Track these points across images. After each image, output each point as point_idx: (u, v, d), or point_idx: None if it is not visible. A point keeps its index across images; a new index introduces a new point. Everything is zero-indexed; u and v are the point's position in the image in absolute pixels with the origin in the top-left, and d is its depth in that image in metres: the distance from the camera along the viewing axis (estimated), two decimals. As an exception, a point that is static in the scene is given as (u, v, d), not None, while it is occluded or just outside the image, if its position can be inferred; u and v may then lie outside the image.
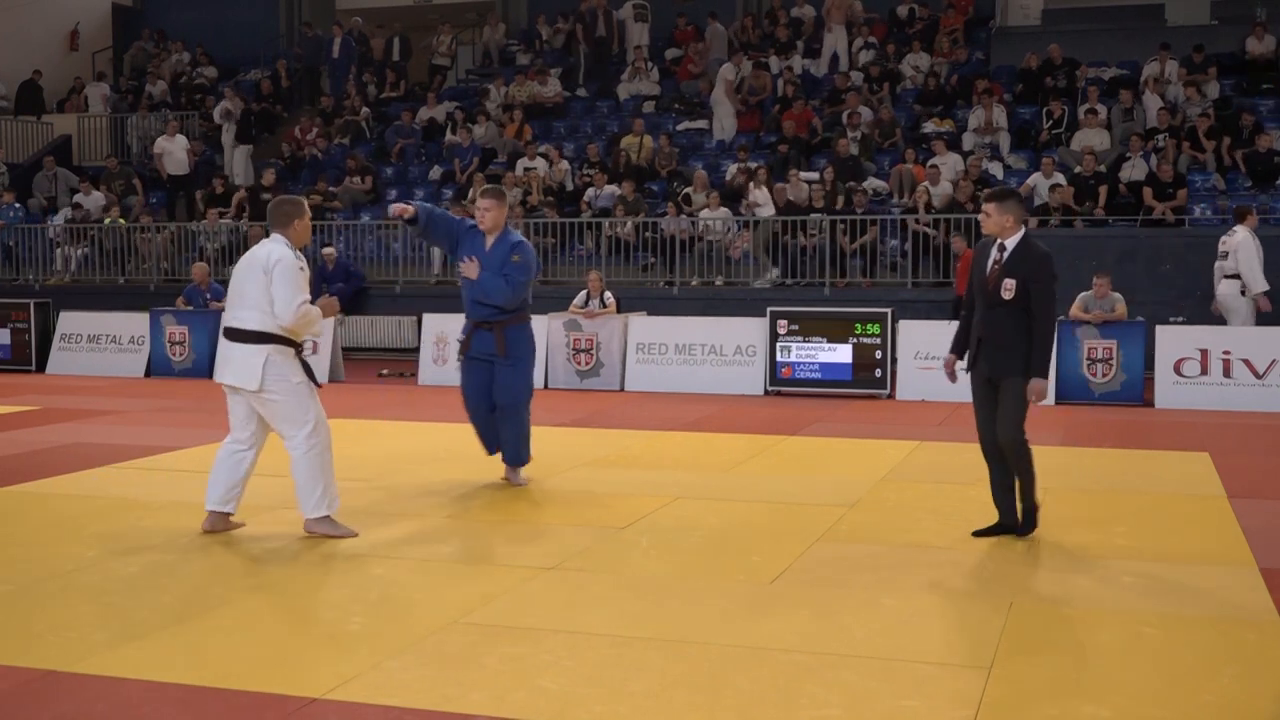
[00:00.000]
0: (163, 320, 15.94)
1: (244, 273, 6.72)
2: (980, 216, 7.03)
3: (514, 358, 8.13)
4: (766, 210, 17.21)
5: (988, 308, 6.76)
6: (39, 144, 23.79)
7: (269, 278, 6.57)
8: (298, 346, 6.77)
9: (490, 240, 8.10)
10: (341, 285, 17.02)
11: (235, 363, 6.72)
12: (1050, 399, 12.74)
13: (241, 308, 6.70)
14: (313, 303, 6.69)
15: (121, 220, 19.91)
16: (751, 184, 17.53)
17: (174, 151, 21.25)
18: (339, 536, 6.82)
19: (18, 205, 20.95)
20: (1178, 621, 5.36)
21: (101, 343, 16.45)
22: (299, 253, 6.71)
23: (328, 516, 6.85)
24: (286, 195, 7.12)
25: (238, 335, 6.72)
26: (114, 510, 7.62)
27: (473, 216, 8.24)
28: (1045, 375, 6.67)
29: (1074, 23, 21.58)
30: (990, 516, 7.01)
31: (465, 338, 8.24)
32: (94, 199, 20.70)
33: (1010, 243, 6.74)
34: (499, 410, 8.19)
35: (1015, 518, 6.87)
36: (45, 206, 21.54)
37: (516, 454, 8.29)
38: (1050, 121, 18.21)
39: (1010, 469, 6.79)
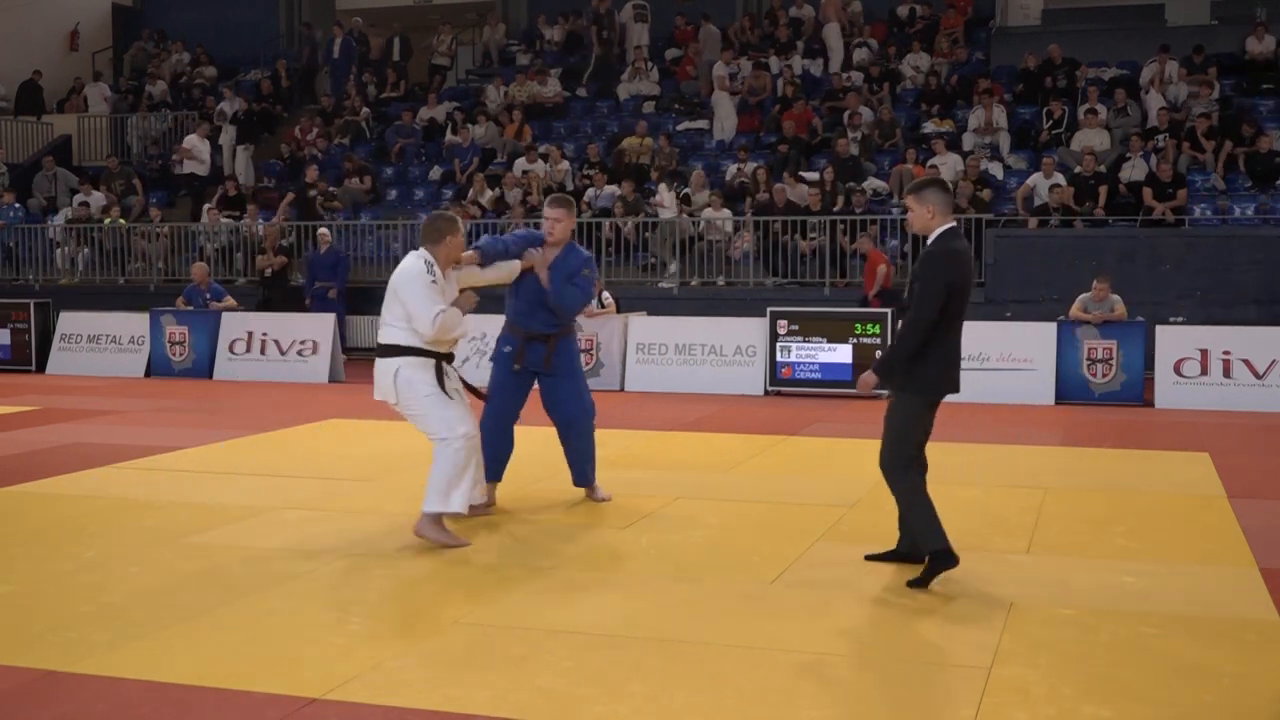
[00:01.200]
0: (163, 320, 15.95)
1: (389, 288, 6.70)
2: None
3: (570, 369, 7.69)
4: (669, 212, 17.51)
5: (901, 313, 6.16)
6: (39, 144, 23.79)
7: (398, 294, 6.59)
8: (441, 356, 6.70)
9: (556, 253, 7.51)
10: (333, 285, 16.95)
11: (376, 377, 6.73)
12: (1050, 399, 12.81)
13: (383, 323, 6.72)
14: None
15: (122, 220, 19.91)
16: (662, 185, 17.92)
17: (199, 150, 21.38)
18: (444, 544, 6.62)
19: (18, 205, 20.95)
20: (1178, 621, 5.36)
21: (101, 343, 16.45)
22: (434, 266, 6.62)
23: (439, 519, 6.68)
24: (442, 211, 7.20)
25: (379, 350, 6.74)
26: (114, 510, 7.62)
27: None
28: (882, 372, 6.03)
29: (1074, 23, 21.58)
30: (991, 521, 7.00)
31: (517, 349, 7.57)
32: (94, 199, 20.70)
33: (930, 239, 6.01)
34: (568, 424, 7.71)
35: (910, 545, 6.18)
36: (45, 207, 21.54)
37: (585, 473, 7.83)
38: (1050, 122, 18.21)
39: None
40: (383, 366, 6.67)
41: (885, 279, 15.32)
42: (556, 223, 7.51)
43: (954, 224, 5.98)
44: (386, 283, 6.75)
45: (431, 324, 6.49)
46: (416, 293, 6.52)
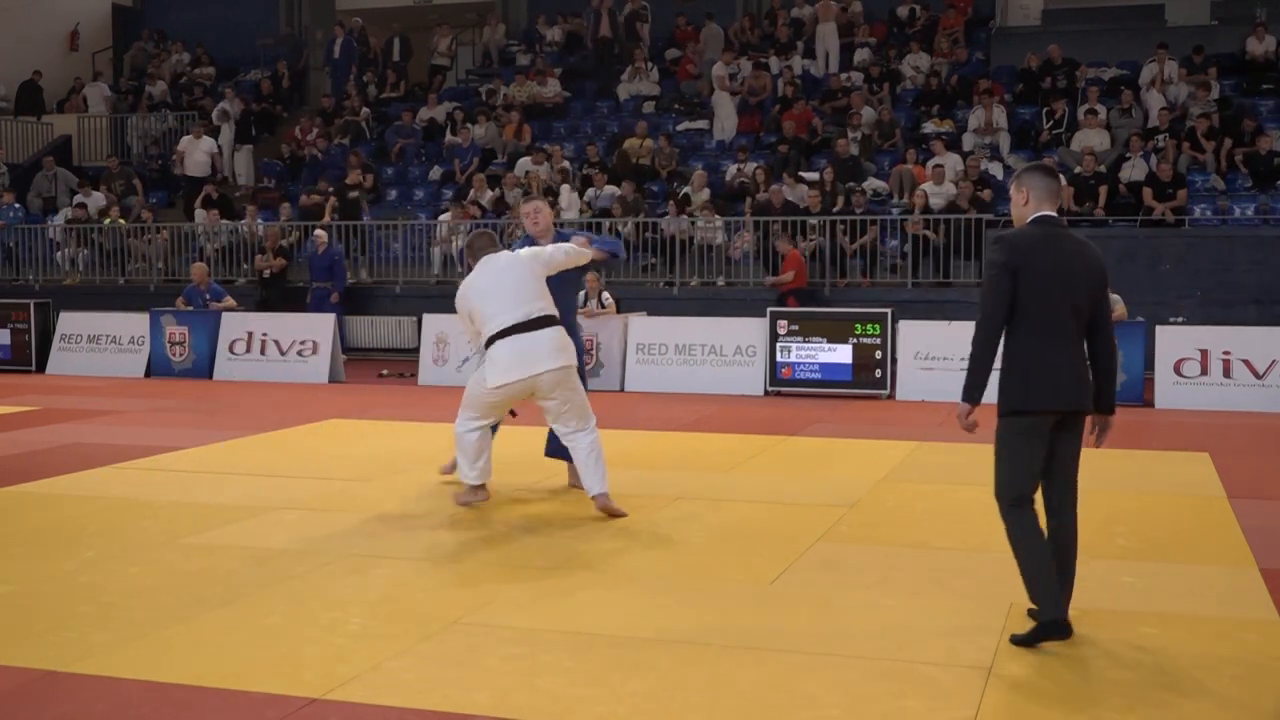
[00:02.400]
0: (162, 320, 15.94)
1: (516, 266, 7.34)
2: None
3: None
4: (571, 214, 17.68)
5: None
6: (39, 144, 23.79)
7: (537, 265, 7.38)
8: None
9: (548, 243, 7.88)
10: (331, 287, 16.93)
11: (552, 343, 7.21)
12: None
13: (526, 302, 7.20)
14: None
15: (121, 221, 19.90)
16: (566, 185, 18.10)
17: (195, 153, 21.21)
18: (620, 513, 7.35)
19: (18, 205, 20.96)
20: (1178, 621, 5.35)
21: (101, 343, 16.44)
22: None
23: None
24: (483, 229, 7.87)
25: (544, 320, 7.21)
26: (114, 510, 7.62)
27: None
28: (964, 395, 5.15)
29: (1074, 23, 21.59)
30: (991, 521, 6.97)
31: None
32: (94, 200, 20.70)
33: None
34: None
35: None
36: (44, 207, 21.55)
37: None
38: (1050, 122, 18.21)
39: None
40: (556, 333, 7.21)
41: (798, 278, 15.73)
42: (538, 213, 7.97)
43: (1048, 212, 5.10)
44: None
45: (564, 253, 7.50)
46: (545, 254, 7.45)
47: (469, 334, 7.62)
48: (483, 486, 7.59)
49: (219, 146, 22.15)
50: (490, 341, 7.15)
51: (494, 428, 7.67)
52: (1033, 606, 5.05)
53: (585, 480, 7.39)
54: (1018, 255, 4.99)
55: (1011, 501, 5.12)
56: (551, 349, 7.11)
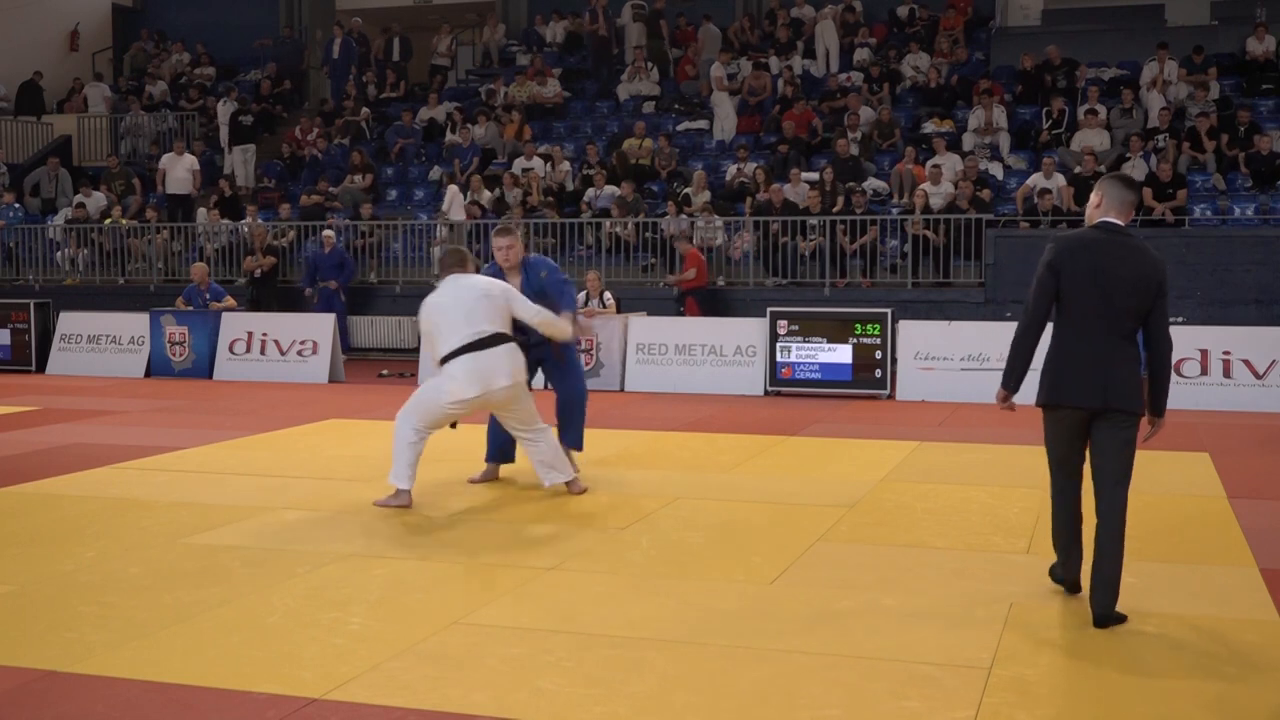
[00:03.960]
0: (162, 320, 15.94)
1: (485, 294, 7.62)
2: None
3: (574, 359, 8.74)
4: (457, 214, 17.82)
5: None
6: (39, 144, 23.79)
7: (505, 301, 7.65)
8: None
9: (519, 277, 8.20)
10: (336, 282, 17.02)
11: (504, 363, 7.54)
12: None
13: (477, 326, 7.49)
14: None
15: (122, 220, 19.89)
16: (453, 185, 18.27)
17: (177, 170, 20.44)
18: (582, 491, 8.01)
19: (17, 205, 20.95)
20: (1178, 621, 5.35)
21: (101, 343, 16.44)
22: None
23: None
24: (457, 247, 8.07)
25: (495, 339, 7.51)
26: (114, 511, 7.62)
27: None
28: (1003, 384, 5.57)
29: (1074, 23, 21.59)
30: (992, 521, 7.00)
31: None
32: (93, 200, 20.70)
33: None
34: (573, 399, 8.58)
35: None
36: (44, 207, 21.53)
37: (579, 440, 8.64)
38: (1050, 122, 18.21)
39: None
40: (510, 351, 7.54)
41: (699, 277, 16.05)
42: (510, 249, 8.19)
43: (1112, 219, 5.33)
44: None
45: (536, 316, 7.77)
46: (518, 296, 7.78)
47: (429, 349, 7.78)
48: (409, 491, 7.64)
49: (219, 147, 22.16)
50: (446, 359, 7.43)
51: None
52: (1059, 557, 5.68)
53: (551, 474, 7.92)
54: (1063, 256, 5.30)
55: (1054, 484, 5.56)
56: (506, 366, 7.48)
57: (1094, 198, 5.41)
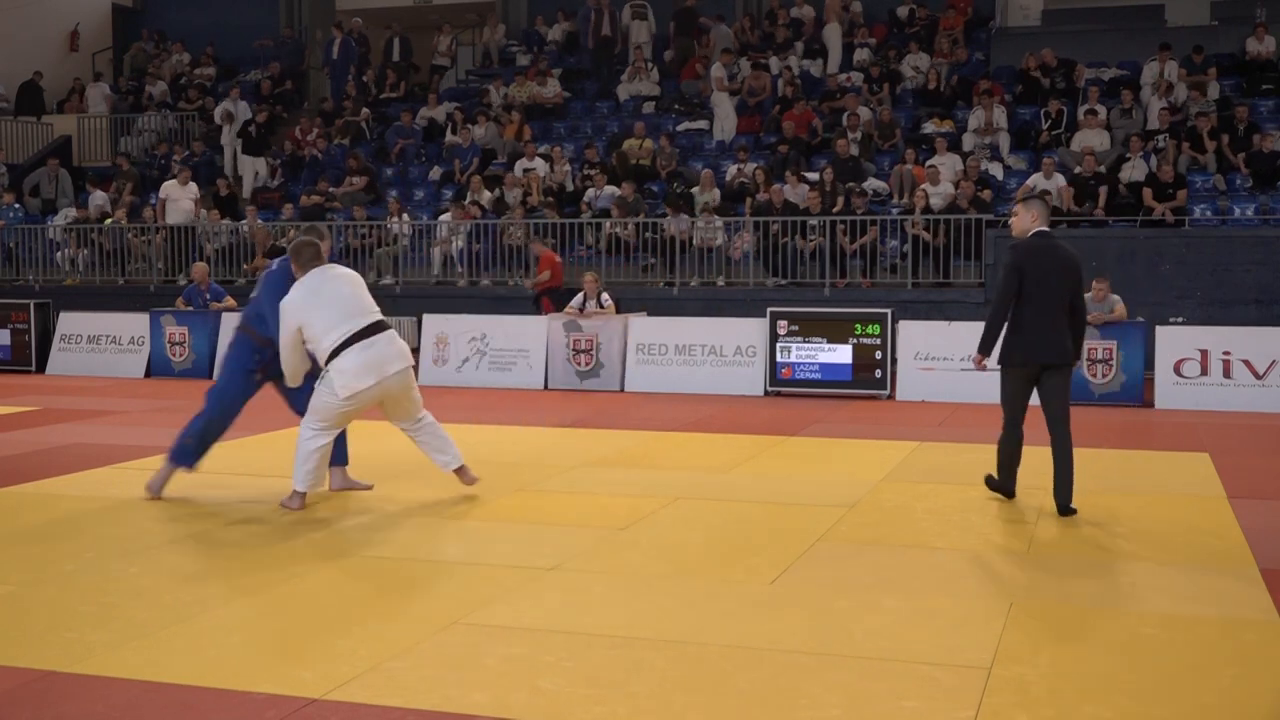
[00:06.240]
0: (162, 321, 15.95)
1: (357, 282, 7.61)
2: None
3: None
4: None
5: None
6: (39, 145, 23.79)
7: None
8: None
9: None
10: None
11: (399, 347, 7.56)
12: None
13: (369, 309, 7.49)
14: None
15: (123, 221, 19.87)
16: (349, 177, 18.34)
17: (180, 200, 19.53)
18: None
19: (17, 206, 20.95)
20: (1178, 622, 5.36)
21: (101, 343, 16.45)
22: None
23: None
24: (308, 237, 7.74)
25: (381, 325, 7.47)
26: (114, 510, 7.62)
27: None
28: (979, 347, 7.61)
29: (1074, 23, 21.57)
30: (992, 520, 7.00)
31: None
32: (95, 199, 20.69)
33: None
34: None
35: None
36: (44, 207, 21.53)
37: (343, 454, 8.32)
38: (1050, 122, 18.20)
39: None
40: (394, 336, 7.54)
41: (554, 278, 16.36)
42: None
43: (1044, 228, 7.57)
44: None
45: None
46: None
47: (291, 352, 7.42)
48: (305, 494, 7.58)
49: (219, 146, 22.14)
50: (334, 354, 7.22)
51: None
52: (994, 477, 7.83)
53: (443, 456, 7.89)
54: (1024, 258, 7.41)
55: (1006, 424, 7.58)
56: (395, 352, 7.41)
57: (1027, 215, 7.56)
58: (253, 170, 21.47)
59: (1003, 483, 7.75)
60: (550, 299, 16.15)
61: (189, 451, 7.97)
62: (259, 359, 7.92)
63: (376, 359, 7.29)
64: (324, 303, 7.28)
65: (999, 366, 7.53)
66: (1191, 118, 17.53)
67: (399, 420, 7.82)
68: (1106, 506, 7.75)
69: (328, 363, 7.28)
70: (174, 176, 20.05)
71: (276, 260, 8.01)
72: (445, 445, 7.92)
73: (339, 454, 8.14)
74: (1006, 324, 7.42)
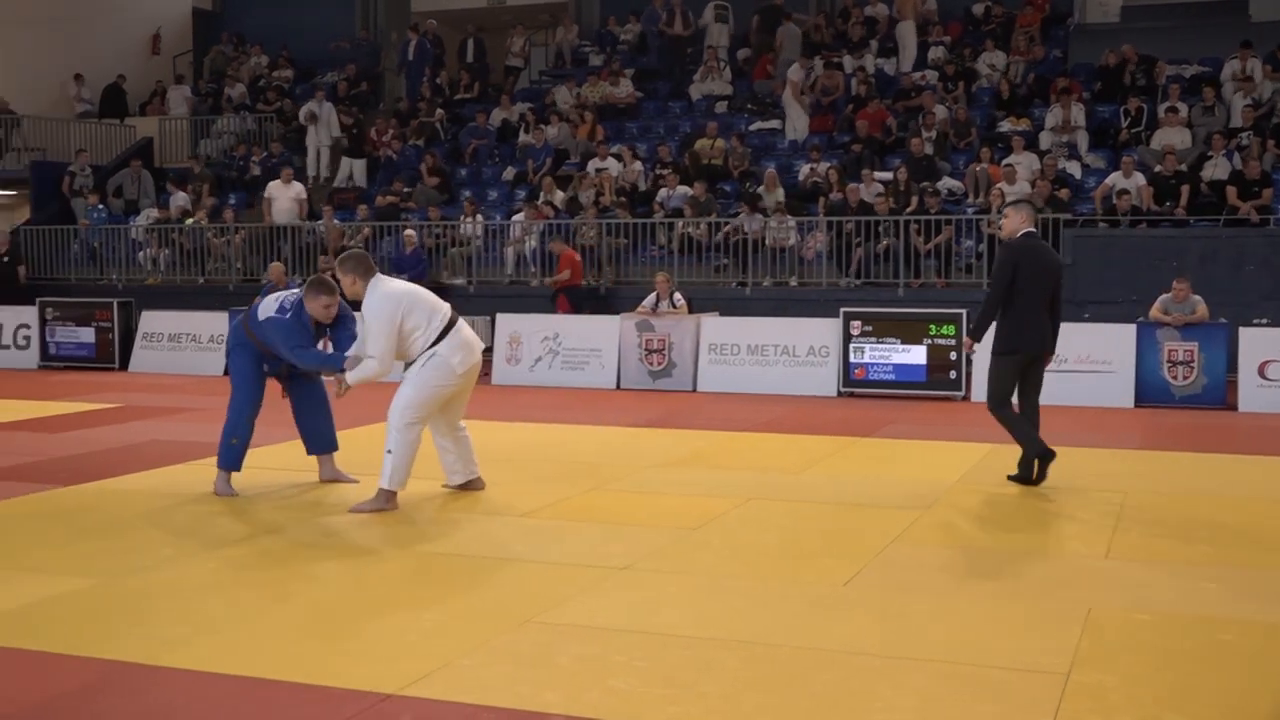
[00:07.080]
0: (240, 319, 16.14)
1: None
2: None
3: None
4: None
5: None
6: (122, 146, 24.25)
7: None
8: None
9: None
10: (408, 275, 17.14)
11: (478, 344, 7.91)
12: (1129, 401, 12.62)
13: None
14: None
15: (205, 221, 20.18)
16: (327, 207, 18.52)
17: (283, 200, 19.81)
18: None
19: (101, 206, 21.36)
20: (1260, 629, 5.25)
21: (182, 341, 16.73)
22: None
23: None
24: (358, 252, 7.97)
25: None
26: (191, 507, 7.74)
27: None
28: (971, 334, 8.52)
29: (1154, 19, 21.21)
30: (1070, 525, 6.91)
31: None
32: (177, 199, 21.04)
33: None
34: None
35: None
36: (127, 208, 21.93)
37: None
38: (1129, 120, 17.92)
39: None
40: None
41: (574, 276, 16.56)
42: (329, 309, 8.00)
43: (1031, 229, 8.40)
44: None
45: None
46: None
47: (384, 345, 7.53)
48: (396, 494, 7.64)
49: (301, 147, 22.35)
50: (437, 339, 7.54)
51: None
52: (1018, 473, 8.33)
53: (470, 469, 8.08)
54: (1017, 255, 8.21)
55: (998, 403, 8.24)
56: (476, 337, 7.89)
57: (1017, 217, 8.36)
58: (348, 170, 21.65)
59: (1029, 455, 8.22)
60: (568, 297, 16.39)
61: (235, 455, 8.21)
62: (267, 368, 8.37)
63: (471, 339, 7.74)
64: (419, 298, 7.66)
65: (993, 352, 8.28)
66: (1277, 114, 17.17)
67: (450, 419, 7.89)
68: (1186, 511, 7.62)
69: (430, 349, 7.55)
70: (276, 177, 20.35)
71: (293, 294, 8.18)
72: (473, 459, 8.12)
73: (329, 440, 8.57)
74: (999, 315, 8.17)
